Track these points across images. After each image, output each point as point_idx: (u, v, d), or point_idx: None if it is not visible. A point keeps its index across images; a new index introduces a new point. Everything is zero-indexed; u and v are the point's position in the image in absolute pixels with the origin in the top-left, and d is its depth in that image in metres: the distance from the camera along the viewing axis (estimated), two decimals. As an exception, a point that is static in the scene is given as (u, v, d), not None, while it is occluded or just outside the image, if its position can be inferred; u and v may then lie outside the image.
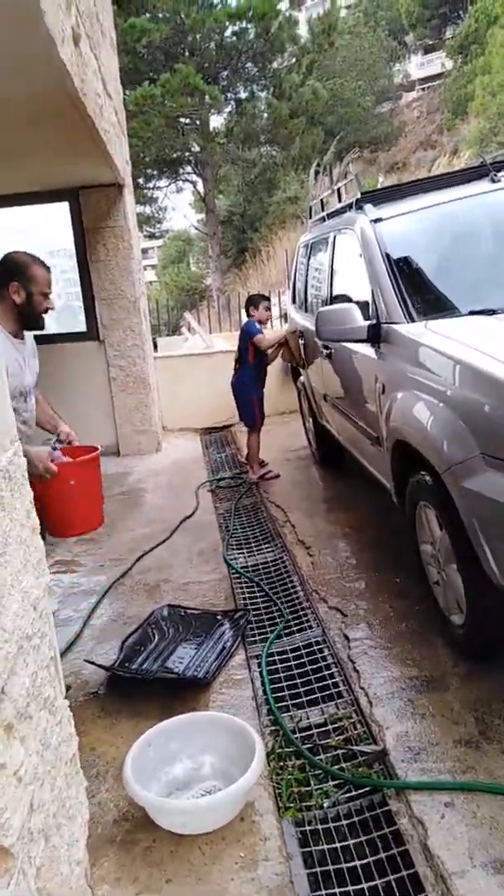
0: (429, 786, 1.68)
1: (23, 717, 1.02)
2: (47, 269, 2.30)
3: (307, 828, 1.65)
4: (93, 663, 2.36)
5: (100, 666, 2.34)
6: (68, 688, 2.04)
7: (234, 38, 16.14)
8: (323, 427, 4.31)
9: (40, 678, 1.14)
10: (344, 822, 1.66)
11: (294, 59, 17.53)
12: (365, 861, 1.53)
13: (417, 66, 31.02)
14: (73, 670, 2.43)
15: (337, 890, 1.47)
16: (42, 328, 2.35)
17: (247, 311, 4.76)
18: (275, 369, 5.69)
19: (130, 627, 2.67)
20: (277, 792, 1.76)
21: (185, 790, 1.79)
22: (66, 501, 2.29)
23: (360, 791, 1.73)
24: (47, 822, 1.07)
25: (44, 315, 2.32)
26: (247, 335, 4.58)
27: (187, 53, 16.26)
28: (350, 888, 1.47)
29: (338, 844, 1.59)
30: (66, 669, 2.45)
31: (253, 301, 4.70)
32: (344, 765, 1.85)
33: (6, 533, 1.03)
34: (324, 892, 1.47)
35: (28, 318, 2.28)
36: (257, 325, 4.58)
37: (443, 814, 1.60)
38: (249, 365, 4.64)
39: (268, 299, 4.75)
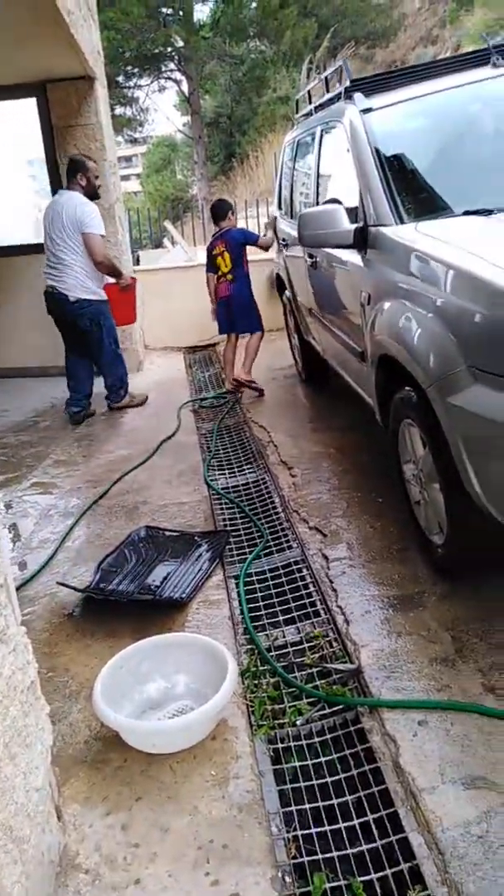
0: (402, 704, 1.67)
1: (-40, 650, 0.94)
2: (93, 161, 4.33)
3: (280, 745, 1.64)
4: (66, 585, 2.31)
5: (73, 588, 2.29)
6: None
7: None
8: (309, 344, 4.14)
9: (-15, 608, 1.06)
10: (317, 740, 1.65)
11: None
12: (336, 777, 1.53)
13: None
14: (47, 592, 2.39)
15: (307, 806, 1.47)
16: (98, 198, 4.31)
17: (220, 220, 4.59)
18: (260, 283, 5.45)
19: (107, 549, 2.62)
20: (251, 710, 1.75)
21: (158, 709, 1.77)
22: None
23: (334, 709, 1.72)
24: (-5, 754, 1.02)
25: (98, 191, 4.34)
26: (244, 242, 4.47)
27: None
28: (320, 804, 1.47)
29: (310, 762, 1.58)
30: (41, 591, 2.41)
31: (226, 207, 4.58)
32: (318, 683, 1.83)
33: None
34: (294, 807, 1.46)
35: (91, 195, 4.20)
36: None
37: (415, 731, 1.59)
38: (245, 272, 4.55)
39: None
